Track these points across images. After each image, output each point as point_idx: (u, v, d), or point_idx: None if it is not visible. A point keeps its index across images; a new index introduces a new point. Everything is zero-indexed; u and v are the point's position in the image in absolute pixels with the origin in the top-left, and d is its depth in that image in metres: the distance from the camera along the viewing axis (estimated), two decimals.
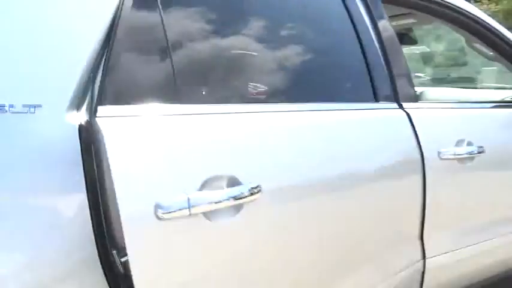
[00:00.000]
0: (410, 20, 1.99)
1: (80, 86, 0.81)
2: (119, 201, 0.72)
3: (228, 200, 0.82)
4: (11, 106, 0.77)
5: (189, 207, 0.76)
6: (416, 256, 1.30)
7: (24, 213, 0.75)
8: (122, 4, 0.86)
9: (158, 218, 0.74)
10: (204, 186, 0.80)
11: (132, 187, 0.74)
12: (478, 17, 1.66)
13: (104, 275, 0.78)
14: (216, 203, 0.80)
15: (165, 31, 0.92)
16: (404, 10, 1.74)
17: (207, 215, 0.80)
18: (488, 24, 1.68)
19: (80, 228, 0.77)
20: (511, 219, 1.59)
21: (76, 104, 0.81)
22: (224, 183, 0.83)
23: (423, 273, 1.32)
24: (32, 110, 0.78)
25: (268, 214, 0.91)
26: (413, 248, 1.29)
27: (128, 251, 0.73)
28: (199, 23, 1.05)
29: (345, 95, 1.29)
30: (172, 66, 0.92)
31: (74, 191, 0.78)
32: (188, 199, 0.76)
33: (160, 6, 0.92)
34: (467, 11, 1.63)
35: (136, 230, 0.73)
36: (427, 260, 1.32)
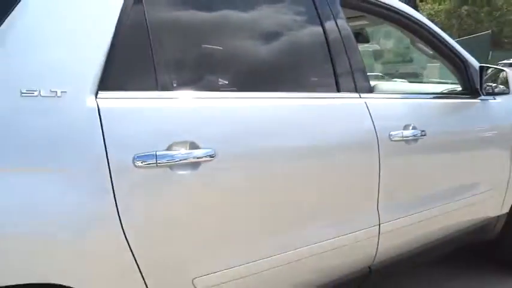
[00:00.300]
0: (363, 22, 2.25)
1: (95, 76, 1.01)
2: (108, 154, 0.98)
3: (186, 159, 1.08)
4: (41, 90, 0.93)
5: (156, 160, 1.03)
6: (373, 221, 1.56)
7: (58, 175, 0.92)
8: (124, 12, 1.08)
9: (135, 165, 1.02)
10: (170, 147, 1.07)
11: (118, 145, 1.01)
12: (420, 21, 1.95)
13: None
14: (177, 160, 1.07)
15: (148, 36, 1.12)
16: (358, 13, 1.98)
17: (171, 167, 1.07)
18: (428, 27, 1.97)
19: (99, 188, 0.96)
20: (448, 192, 1.89)
21: (93, 90, 1.00)
22: (187, 146, 1.09)
23: (379, 234, 1.58)
24: (59, 94, 0.95)
25: (221, 172, 1.16)
26: (371, 214, 1.55)
27: (114, 188, 0.98)
28: (182, 24, 1.25)
29: (314, 87, 1.52)
30: (154, 64, 1.13)
31: (93, 161, 0.96)
32: (156, 154, 1.04)
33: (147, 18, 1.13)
34: (411, 16, 1.91)
35: (120, 174, 1.00)
36: (381, 225, 1.58)
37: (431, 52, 2.13)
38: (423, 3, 32.26)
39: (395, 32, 2.28)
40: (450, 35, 2.10)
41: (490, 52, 16.77)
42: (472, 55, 2.13)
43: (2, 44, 0.93)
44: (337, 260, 1.50)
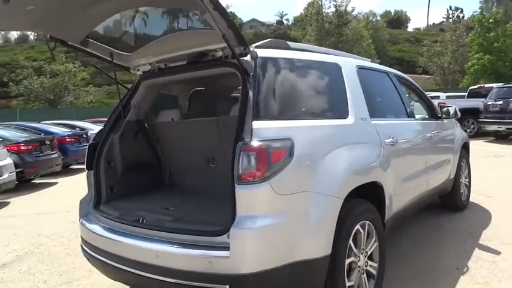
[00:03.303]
0: None
1: (367, 113, 2.83)
2: (380, 138, 2.82)
3: (391, 142, 2.94)
4: (362, 118, 2.73)
5: (389, 142, 2.90)
6: (427, 172, 3.57)
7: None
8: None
9: (385, 144, 2.87)
10: (388, 137, 2.92)
11: (381, 135, 2.84)
12: (415, 85, 4.11)
13: None
14: (389, 142, 2.92)
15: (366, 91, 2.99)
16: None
17: (390, 144, 2.93)
18: (418, 88, 4.15)
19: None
20: (439, 164, 4.00)
21: (369, 117, 2.82)
22: (391, 138, 2.95)
23: (427, 180, 3.59)
24: (367, 119, 2.77)
25: (399, 147, 3.05)
26: (426, 169, 3.56)
27: (382, 151, 2.81)
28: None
29: (402, 115, 3.51)
30: (375, 105, 2.99)
31: (377, 141, 2.78)
32: (387, 141, 2.90)
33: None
34: (412, 82, 4.07)
35: (382, 146, 2.83)
36: (428, 174, 3.60)
37: (416, 99, 4.32)
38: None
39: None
40: None
41: None
42: None
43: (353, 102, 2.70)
44: (421, 187, 3.47)
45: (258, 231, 1.92)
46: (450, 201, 4.63)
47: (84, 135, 11.44)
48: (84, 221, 2.68)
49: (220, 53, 2.40)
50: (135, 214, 2.50)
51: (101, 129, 2.92)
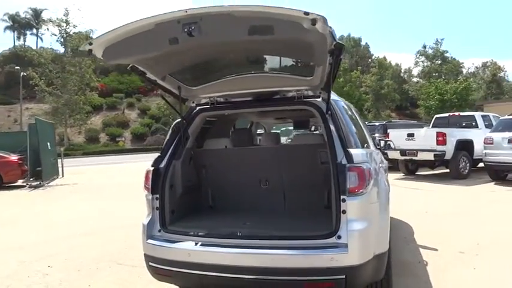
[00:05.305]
0: None
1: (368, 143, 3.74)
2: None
3: (384, 166, 3.89)
4: (374, 148, 3.61)
5: (384, 167, 3.83)
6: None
7: None
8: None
9: (383, 168, 3.78)
10: (382, 162, 3.87)
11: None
12: (363, 122, 5.22)
13: None
14: (384, 167, 3.96)
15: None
16: None
17: (384, 168, 3.89)
18: (364, 122, 5.27)
19: None
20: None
21: (375, 147, 3.72)
22: (383, 164, 3.92)
23: None
24: (373, 148, 3.65)
25: (384, 171, 4.01)
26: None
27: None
28: None
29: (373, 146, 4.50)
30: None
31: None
32: (383, 166, 3.82)
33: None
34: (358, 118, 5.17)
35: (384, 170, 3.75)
36: None
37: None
38: None
39: None
40: None
41: None
42: None
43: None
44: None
45: (365, 231, 2.52)
46: None
47: None
48: (156, 242, 2.83)
49: (292, 94, 2.98)
50: (223, 230, 2.80)
51: (159, 155, 3.10)
